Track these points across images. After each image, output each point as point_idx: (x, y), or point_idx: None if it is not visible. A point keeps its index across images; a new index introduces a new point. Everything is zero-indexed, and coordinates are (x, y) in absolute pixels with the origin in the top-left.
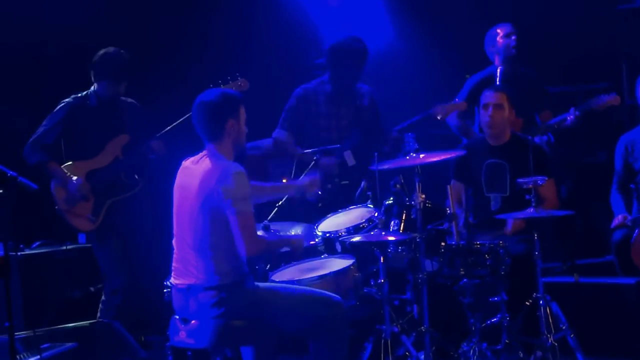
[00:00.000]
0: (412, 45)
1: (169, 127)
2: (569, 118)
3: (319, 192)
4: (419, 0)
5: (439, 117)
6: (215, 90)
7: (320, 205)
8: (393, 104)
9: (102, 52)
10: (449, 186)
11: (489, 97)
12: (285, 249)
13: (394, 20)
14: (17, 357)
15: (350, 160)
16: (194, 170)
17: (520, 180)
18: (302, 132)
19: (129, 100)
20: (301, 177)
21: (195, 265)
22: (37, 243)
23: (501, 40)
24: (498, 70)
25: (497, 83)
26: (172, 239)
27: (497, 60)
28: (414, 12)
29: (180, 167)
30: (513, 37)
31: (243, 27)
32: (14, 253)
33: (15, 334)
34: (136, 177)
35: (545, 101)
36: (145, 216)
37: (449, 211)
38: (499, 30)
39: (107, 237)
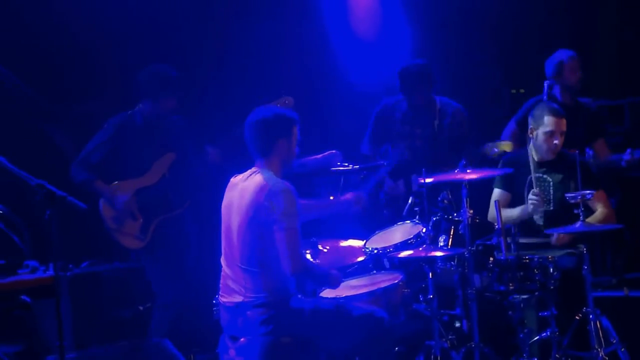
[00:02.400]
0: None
1: (221, 139)
2: (624, 159)
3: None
4: (453, 16)
5: (490, 154)
6: (272, 107)
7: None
8: None
9: (147, 69)
10: (497, 201)
11: (554, 124)
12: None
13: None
14: None
15: (416, 185)
16: (242, 187)
17: (569, 194)
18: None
19: (175, 117)
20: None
21: (243, 283)
22: (86, 263)
23: (568, 74)
24: (545, 85)
25: (546, 98)
26: (220, 257)
27: (556, 89)
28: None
29: (229, 184)
30: (579, 73)
31: (287, 44)
32: (63, 273)
33: (66, 354)
34: (183, 195)
35: (599, 132)
36: (193, 233)
37: (497, 226)
38: (566, 64)
39: (157, 254)
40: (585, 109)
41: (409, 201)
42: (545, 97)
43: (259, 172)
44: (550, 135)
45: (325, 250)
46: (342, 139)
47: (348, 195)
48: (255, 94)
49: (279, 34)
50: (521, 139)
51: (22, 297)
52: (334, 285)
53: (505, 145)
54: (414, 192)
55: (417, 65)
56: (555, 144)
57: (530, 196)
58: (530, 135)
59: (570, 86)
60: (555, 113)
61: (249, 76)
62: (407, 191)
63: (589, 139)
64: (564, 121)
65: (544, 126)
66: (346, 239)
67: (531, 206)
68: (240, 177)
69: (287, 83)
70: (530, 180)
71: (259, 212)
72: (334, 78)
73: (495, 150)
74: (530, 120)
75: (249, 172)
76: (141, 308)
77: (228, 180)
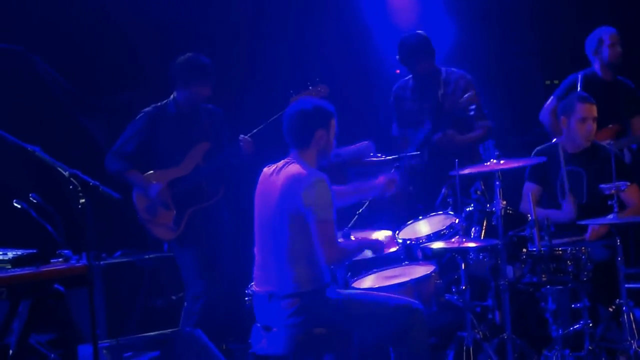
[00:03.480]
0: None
1: (256, 130)
2: None
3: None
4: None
5: None
6: (312, 99)
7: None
8: None
9: (184, 58)
10: (529, 193)
11: (586, 110)
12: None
13: (466, 22)
14: None
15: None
16: (275, 177)
17: (603, 186)
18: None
19: (209, 106)
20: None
21: (276, 273)
22: (119, 252)
23: (607, 50)
24: (580, 78)
25: (579, 90)
26: (253, 247)
27: (596, 65)
28: (484, 14)
29: (262, 174)
30: (619, 48)
31: (320, 31)
32: (96, 262)
33: (99, 343)
34: (217, 185)
35: (638, 108)
36: (226, 223)
37: (530, 217)
38: (604, 38)
39: (189, 245)
40: (624, 86)
41: (442, 192)
42: (580, 86)
43: (293, 162)
44: (582, 121)
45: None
46: (378, 130)
47: (381, 179)
48: (291, 84)
49: (316, 23)
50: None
51: (55, 286)
52: (377, 248)
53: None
54: (447, 182)
55: (414, 35)
56: (589, 130)
57: None
58: (563, 127)
59: (610, 62)
60: (585, 99)
61: (284, 66)
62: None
63: (627, 115)
64: (595, 107)
65: (576, 113)
66: (379, 229)
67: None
68: (273, 167)
69: (323, 73)
70: (563, 174)
71: (292, 203)
72: (372, 69)
73: None
74: (560, 112)
75: (282, 162)
76: (174, 297)
77: (261, 170)
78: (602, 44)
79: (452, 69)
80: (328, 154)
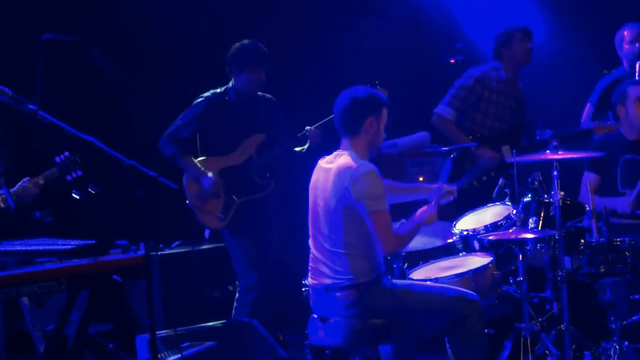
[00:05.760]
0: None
1: (323, 120)
2: None
3: (475, 184)
4: None
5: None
6: (363, 87)
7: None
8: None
9: (238, 44)
10: (588, 184)
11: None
12: None
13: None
14: (159, 355)
15: (507, 155)
16: (328, 169)
17: None
18: (466, 115)
19: (267, 96)
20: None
21: (331, 265)
22: (177, 243)
23: (626, 46)
24: (637, 66)
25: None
26: (307, 239)
27: (625, 64)
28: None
29: (316, 166)
30: (638, 44)
31: (379, 28)
32: (154, 253)
33: (157, 333)
34: (268, 178)
35: None
36: (278, 215)
37: (588, 208)
38: (625, 33)
39: (238, 235)
40: None
41: (500, 182)
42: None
43: (344, 153)
44: (638, 102)
45: None
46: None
47: (441, 185)
48: (353, 79)
49: (379, 20)
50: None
51: (113, 277)
52: (430, 218)
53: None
54: (505, 173)
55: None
56: None
57: None
58: (620, 114)
59: (630, 60)
60: (636, 82)
61: (348, 63)
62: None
63: None
64: None
65: (630, 97)
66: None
67: None
68: (327, 158)
69: (383, 70)
70: (623, 161)
71: (343, 196)
72: (429, 63)
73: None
74: (615, 102)
75: (335, 153)
76: (231, 288)
77: (316, 162)
78: (623, 41)
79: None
80: (378, 144)
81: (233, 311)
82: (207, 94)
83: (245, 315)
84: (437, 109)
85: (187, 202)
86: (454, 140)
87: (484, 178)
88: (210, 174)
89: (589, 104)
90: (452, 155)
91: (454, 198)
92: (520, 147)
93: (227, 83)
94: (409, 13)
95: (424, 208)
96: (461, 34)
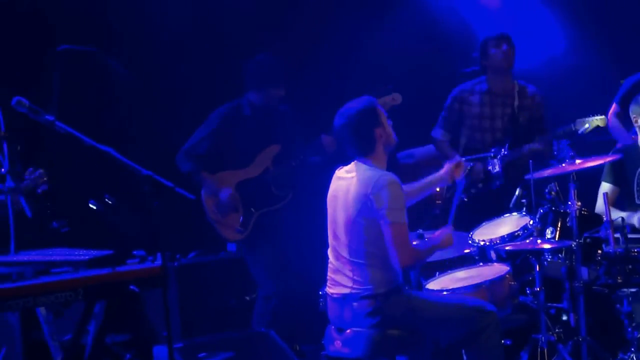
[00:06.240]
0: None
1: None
2: None
3: (464, 198)
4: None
5: (580, 131)
6: (348, 108)
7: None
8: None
9: (255, 59)
10: (605, 194)
11: None
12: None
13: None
14: None
15: (494, 168)
16: (348, 179)
17: None
18: (457, 132)
19: (282, 107)
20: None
21: (350, 275)
22: (193, 253)
23: None
24: None
25: None
26: (326, 248)
27: None
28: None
29: (334, 176)
30: None
31: (394, 36)
32: (171, 263)
33: (173, 343)
34: (286, 188)
35: None
36: (296, 226)
37: (605, 219)
38: None
39: (257, 246)
40: None
41: (516, 193)
42: None
43: (363, 164)
44: None
45: None
46: None
47: (446, 167)
48: (365, 83)
49: (391, 25)
50: (625, 120)
51: (130, 287)
52: (448, 243)
53: (599, 121)
54: (521, 183)
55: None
56: None
57: None
58: (635, 124)
59: None
60: None
61: (364, 71)
62: (487, 174)
63: None
64: None
65: None
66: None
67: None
68: (345, 168)
69: (397, 75)
70: (639, 175)
71: (365, 206)
72: (443, 65)
73: (587, 126)
74: (632, 110)
75: (353, 163)
76: (247, 298)
77: (333, 172)
78: None
79: (523, 81)
80: (392, 143)
81: (252, 319)
82: (222, 108)
83: (265, 324)
84: (432, 132)
85: (206, 216)
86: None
87: (472, 190)
88: (225, 189)
89: (614, 103)
90: (469, 167)
91: (470, 208)
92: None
93: (242, 94)
94: (426, 23)
95: (441, 231)
96: (478, 44)
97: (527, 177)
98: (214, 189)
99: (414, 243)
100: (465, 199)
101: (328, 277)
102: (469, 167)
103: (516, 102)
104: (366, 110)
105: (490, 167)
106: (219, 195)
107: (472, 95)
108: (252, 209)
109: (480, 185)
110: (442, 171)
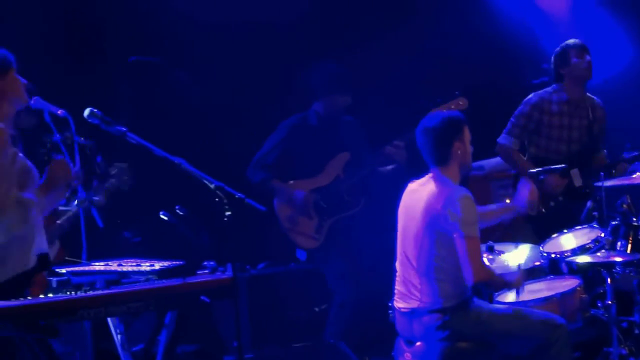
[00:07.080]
0: None
1: (400, 137)
2: None
3: (542, 210)
4: None
5: None
6: (438, 114)
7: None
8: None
9: (322, 68)
10: None
11: None
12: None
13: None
14: None
15: (577, 180)
16: (420, 192)
17: None
18: (530, 141)
19: (347, 117)
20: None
21: (419, 288)
22: (263, 264)
23: None
24: None
25: None
26: (394, 261)
27: None
28: None
29: (406, 189)
30: None
31: (468, 47)
32: (241, 274)
33: (243, 354)
34: (358, 195)
35: None
36: (369, 234)
37: None
38: None
39: (331, 253)
40: None
41: (588, 205)
42: None
43: (437, 177)
44: None
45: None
46: None
47: (520, 196)
48: (431, 94)
49: (456, 31)
50: None
51: (201, 297)
52: (517, 287)
53: None
54: (593, 196)
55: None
56: None
57: None
58: None
59: None
60: None
61: (424, 76)
62: (568, 187)
63: None
64: None
65: None
66: (522, 242)
67: None
68: (417, 182)
69: (462, 82)
70: None
71: (437, 220)
72: (512, 76)
73: None
74: None
75: (426, 177)
76: (317, 309)
77: (406, 184)
78: None
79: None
80: (468, 163)
81: (325, 328)
82: (290, 119)
83: (339, 333)
84: (500, 138)
85: (280, 225)
86: (518, 168)
87: (552, 204)
88: (299, 190)
89: None
90: (540, 178)
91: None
92: (604, 166)
93: (311, 105)
94: (496, 34)
95: (515, 277)
96: (548, 56)
97: (596, 184)
98: (288, 194)
99: (486, 257)
100: (544, 211)
101: (395, 290)
102: (542, 179)
103: (591, 114)
104: (453, 121)
105: (574, 180)
106: (294, 198)
107: (551, 104)
108: (325, 216)
109: (560, 198)
110: (515, 201)
